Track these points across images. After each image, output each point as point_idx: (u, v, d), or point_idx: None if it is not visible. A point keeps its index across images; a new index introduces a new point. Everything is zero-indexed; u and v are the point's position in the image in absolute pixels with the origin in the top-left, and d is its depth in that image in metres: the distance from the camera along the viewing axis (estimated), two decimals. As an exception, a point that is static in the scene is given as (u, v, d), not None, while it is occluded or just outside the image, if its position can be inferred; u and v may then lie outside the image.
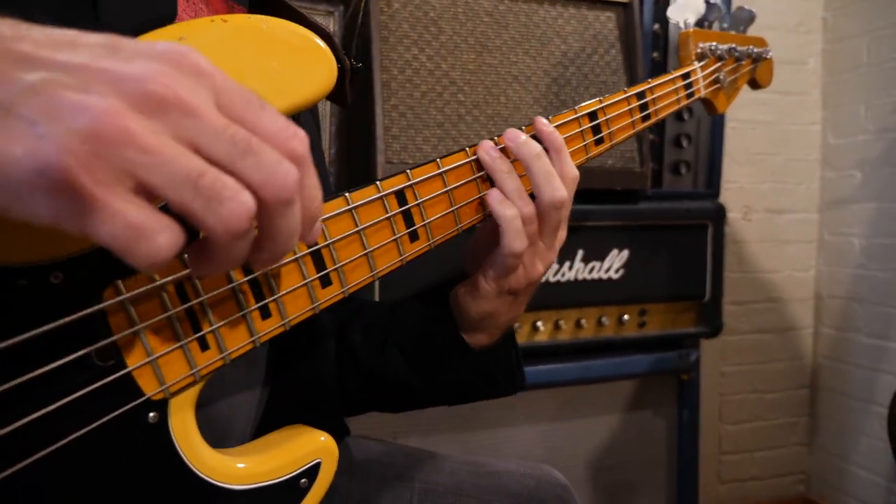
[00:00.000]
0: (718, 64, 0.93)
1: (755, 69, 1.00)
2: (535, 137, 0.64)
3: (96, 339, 0.43)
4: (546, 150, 0.63)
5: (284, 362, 0.68)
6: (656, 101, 0.79)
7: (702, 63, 0.90)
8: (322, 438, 0.54)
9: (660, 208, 1.53)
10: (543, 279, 1.38)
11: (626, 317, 1.51)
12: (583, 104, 0.70)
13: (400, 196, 0.57)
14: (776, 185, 2.18)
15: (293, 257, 0.51)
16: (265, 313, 0.50)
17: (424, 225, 0.59)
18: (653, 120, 0.79)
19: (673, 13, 0.99)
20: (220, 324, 0.48)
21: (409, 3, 1.34)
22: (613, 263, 1.48)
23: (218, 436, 0.54)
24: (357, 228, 0.54)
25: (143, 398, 0.45)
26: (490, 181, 0.62)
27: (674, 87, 0.82)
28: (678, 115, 1.60)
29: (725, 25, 0.99)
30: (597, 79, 1.48)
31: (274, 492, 0.51)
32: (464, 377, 0.69)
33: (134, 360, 0.44)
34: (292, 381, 0.68)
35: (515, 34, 1.42)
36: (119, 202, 0.31)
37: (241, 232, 0.34)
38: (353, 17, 1.26)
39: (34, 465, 0.41)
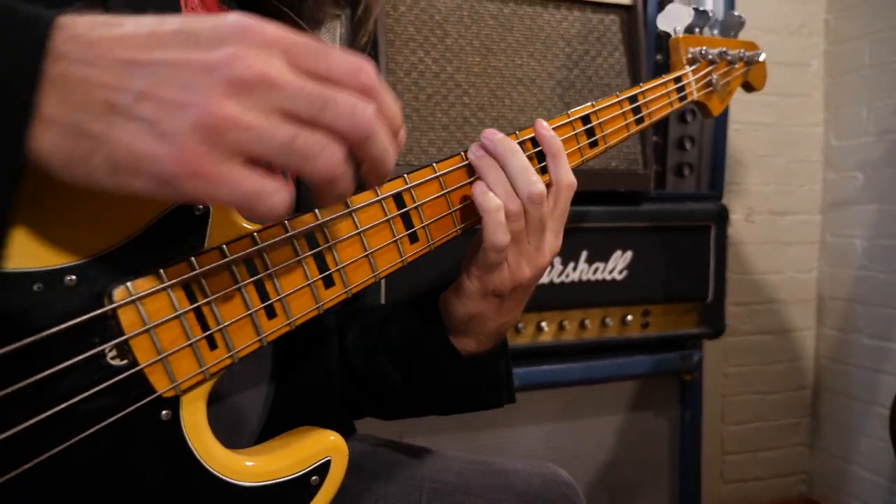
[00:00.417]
0: (710, 67, 0.94)
1: (748, 72, 1.02)
2: (533, 141, 0.66)
3: (109, 338, 0.44)
4: (544, 153, 0.65)
5: (290, 361, 0.69)
6: (649, 105, 0.80)
7: (693, 67, 0.92)
8: (332, 438, 0.55)
9: (663, 210, 1.52)
10: (548, 279, 1.39)
11: (629, 317, 1.51)
12: (575, 109, 0.71)
13: (398, 199, 0.58)
14: (778, 187, 2.18)
15: (296, 258, 0.52)
16: (271, 313, 0.51)
17: (424, 227, 0.60)
18: (646, 123, 0.80)
19: (661, 23, 0.99)
20: (227, 323, 0.49)
21: (415, 7, 1.34)
22: (617, 264, 1.48)
23: (228, 432, 0.54)
24: (357, 230, 0.56)
25: (155, 395, 0.46)
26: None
27: (666, 91, 0.84)
28: (681, 117, 1.60)
29: (716, 32, 1.00)
30: (601, 81, 1.48)
31: (285, 489, 0.52)
32: (450, 383, 0.69)
33: (145, 358, 0.46)
34: (298, 379, 0.69)
35: (520, 37, 1.42)
36: (236, 175, 0.38)
37: (337, 176, 0.41)
38: (359, 21, 1.26)
39: (50, 460, 0.42)
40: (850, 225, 2.15)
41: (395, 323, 0.73)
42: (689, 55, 0.93)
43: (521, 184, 0.60)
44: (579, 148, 0.71)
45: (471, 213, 0.63)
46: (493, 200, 0.60)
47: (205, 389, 0.49)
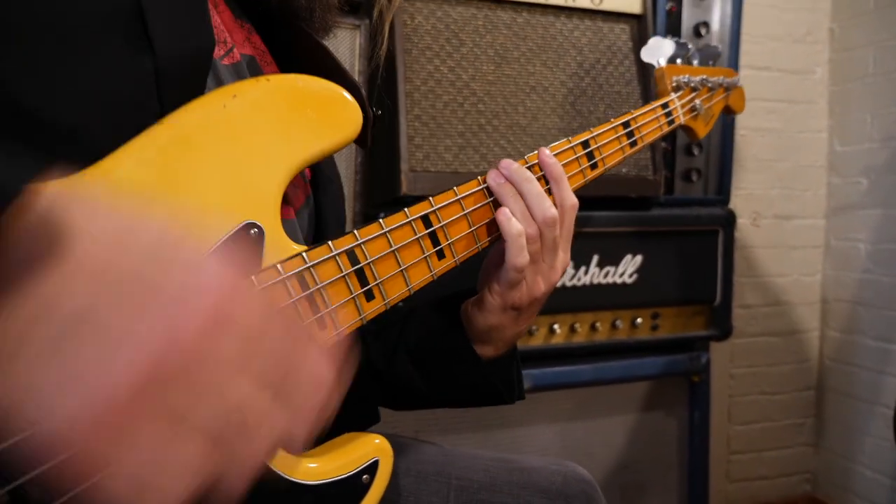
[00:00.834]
0: (693, 94, 1.00)
1: (728, 97, 1.07)
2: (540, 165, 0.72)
3: None
4: (546, 178, 0.69)
5: None
6: (641, 129, 0.86)
7: (678, 94, 0.98)
8: (377, 441, 0.59)
9: (672, 215, 1.53)
10: (560, 283, 1.39)
11: (639, 320, 1.51)
12: (576, 136, 0.77)
13: (425, 220, 0.63)
14: (784, 192, 2.18)
15: (340, 274, 0.56)
16: (321, 324, 0.55)
17: (449, 244, 0.65)
18: (640, 145, 0.85)
19: (645, 55, 1.03)
20: None
21: (431, 16, 1.34)
22: (627, 268, 1.48)
23: None
24: (392, 248, 0.59)
25: None
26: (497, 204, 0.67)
27: (655, 116, 0.90)
28: (690, 124, 1.60)
29: (696, 62, 1.05)
30: (611, 89, 1.48)
31: (341, 486, 0.56)
32: (467, 384, 0.74)
33: None
34: None
35: (533, 46, 1.42)
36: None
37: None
38: (374, 28, 1.26)
39: None
40: (854, 229, 2.15)
41: (417, 327, 0.75)
42: (674, 83, 0.98)
43: (536, 209, 0.65)
44: (581, 170, 0.76)
45: (489, 232, 0.67)
46: (515, 226, 0.64)
47: None
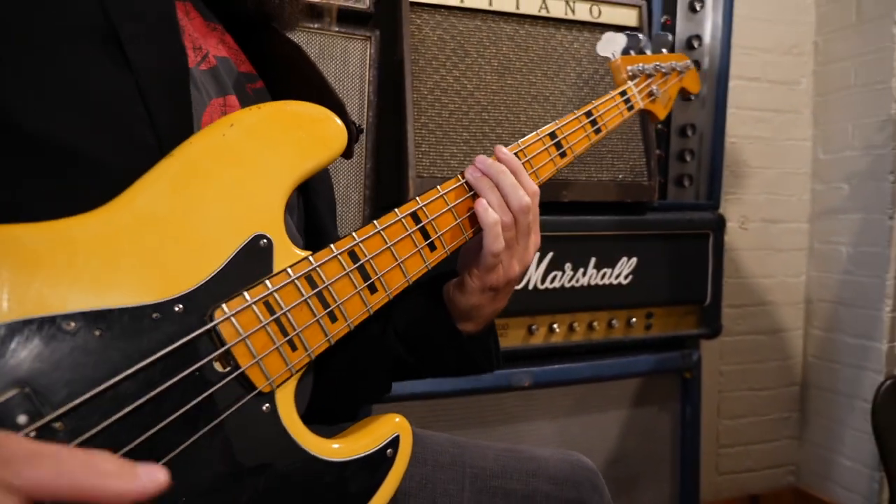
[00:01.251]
0: (649, 80, 1.03)
1: (682, 79, 1.11)
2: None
3: (213, 350, 0.51)
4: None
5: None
6: (603, 117, 0.89)
7: (634, 81, 1.01)
8: (396, 419, 0.64)
9: (665, 219, 1.54)
10: (559, 284, 1.41)
11: (633, 319, 1.53)
12: (543, 128, 0.80)
13: (414, 216, 0.67)
14: (770, 197, 2.20)
15: (344, 271, 0.60)
16: (333, 318, 0.59)
17: (438, 237, 0.68)
18: (604, 132, 0.89)
19: (601, 49, 1.06)
20: (301, 328, 0.56)
21: (438, 27, 1.36)
22: (623, 270, 1.50)
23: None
24: (387, 245, 0.63)
25: (256, 390, 0.53)
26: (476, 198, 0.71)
27: (615, 104, 0.92)
28: (682, 132, 1.62)
29: (648, 52, 1.09)
30: (609, 98, 1.50)
31: (370, 460, 0.60)
32: (452, 358, 0.78)
33: (245, 362, 0.53)
34: (336, 361, 0.74)
35: (535, 57, 1.44)
36: None
37: None
38: (387, 43, 1.28)
39: (181, 453, 0.48)
40: (835, 233, 2.17)
41: (404, 310, 0.78)
42: (629, 72, 1.01)
43: (512, 198, 0.69)
44: (552, 159, 0.79)
45: (472, 223, 0.71)
46: (492, 215, 0.68)
47: (292, 384, 0.56)
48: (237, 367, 0.52)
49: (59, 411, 0.42)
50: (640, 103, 0.99)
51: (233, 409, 0.51)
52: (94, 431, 0.44)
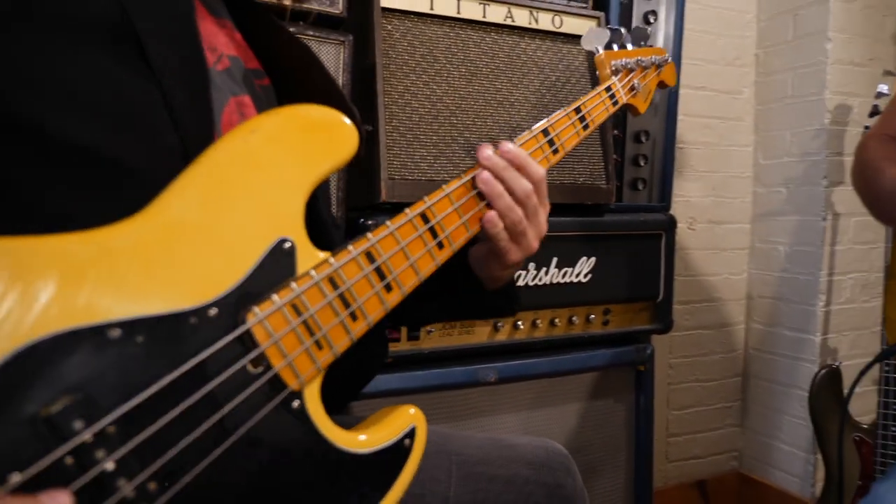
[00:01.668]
0: (631, 75, 1.05)
1: (660, 73, 1.13)
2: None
3: (247, 351, 0.52)
4: (514, 165, 0.75)
5: None
6: (591, 113, 0.91)
7: (618, 77, 1.02)
8: (412, 411, 0.66)
9: (622, 220, 1.58)
10: (523, 283, 1.44)
11: (592, 316, 1.56)
12: (536, 125, 0.82)
13: (423, 216, 0.68)
14: (716, 199, 2.25)
15: (363, 272, 0.61)
16: (353, 317, 0.60)
17: (446, 236, 0.70)
18: (592, 127, 0.91)
19: (585, 43, 1.08)
20: (326, 328, 0.58)
21: (408, 33, 1.36)
22: (583, 269, 1.54)
23: None
24: (400, 245, 0.65)
25: (289, 389, 0.55)
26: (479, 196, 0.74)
27: (601, 100, 0.95)
28: (636, 138, 1.67)
29: (629, 45, 1.11)
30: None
31: (390, 452, 0.62)
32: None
33: (278, 362, 0.54)
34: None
35: (500, 63, 1.46)
36: None
37: None
38: (359, 48, 1.28)
39: (224, 452, 0.49)
40: (774, 233, 2.24)
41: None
42: (613, 67, 1.03)
43: (516, 186, 0.72)
44: (545, 156, 0.81)
45: (475, 221, 0.73)
46: (497, 226, 0.72)
47: (318, 381, 0.58)
48: (270, 367, 0.53)
49: (113, 416, 0.43)
50: (623, 98, 1.00)
51: (269, 407, 0.53)
52: (145, 436, 0.45)
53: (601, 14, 1.57)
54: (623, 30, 1.09)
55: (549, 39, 1.53)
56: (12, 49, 0.47)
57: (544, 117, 1.47)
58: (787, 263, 2.19)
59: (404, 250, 0.65)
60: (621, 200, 1.65)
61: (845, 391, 1.83)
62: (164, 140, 0.53)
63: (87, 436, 0.41)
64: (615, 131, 1.62)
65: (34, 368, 0.40)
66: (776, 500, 2.21)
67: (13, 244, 0.42)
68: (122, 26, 0.51)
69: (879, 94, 1.77)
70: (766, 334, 2.27)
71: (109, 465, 0.42)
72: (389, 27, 1.34)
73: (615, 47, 1.06)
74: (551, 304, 1.50)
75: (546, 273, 1.49)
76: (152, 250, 0.48)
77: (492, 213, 0.71)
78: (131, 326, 0.46)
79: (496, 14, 1.45)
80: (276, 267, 0.55)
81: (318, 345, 0.57)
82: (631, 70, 1.04)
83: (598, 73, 1.03)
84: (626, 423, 1.70)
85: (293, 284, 0.55)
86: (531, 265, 1.46)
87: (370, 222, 1.26)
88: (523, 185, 0.72)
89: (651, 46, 1.13)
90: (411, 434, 0.64)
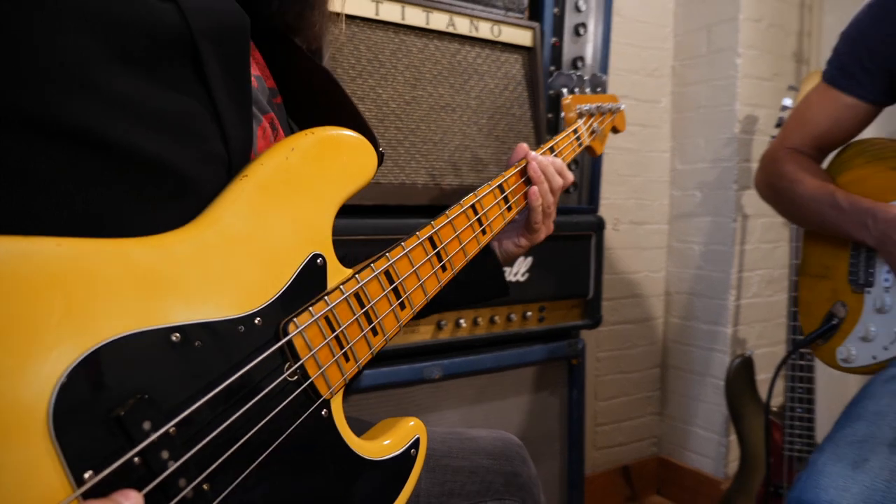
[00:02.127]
0: (592, 119, 1.14)
1: (614, 119, 1.22)
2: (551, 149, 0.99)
3: (286, 360, 0.55)
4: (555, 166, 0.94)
5: None
6: (563, 152, 1.02)
7: (582, 119, 1.11)
8: (411, 423, 0.69)
9: (556, 222, 1.64)
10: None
11: (529, 313, 1.61)
12: (518, 161, 0.94)
13: (431, 241, 0.73)
14: (638, 202, 2.32)
15: (383, 292, 0.65)
16: (374, 332, 0.63)
17: (448, 260, 0.75)
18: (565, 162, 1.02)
19: (555, 85, 1.21)
20: (352, 342, 0.61)
21: (354, 38, 1.37)
22: (521, 269, 1.59)
23: None
24: (413, 268, 0.70)
25: (322, 399, 0.58)
26: (481, 221, 0.82)
27: (569, 141, 1.04)
28: (568, 143, 1.74)
29: (588, 90, 1.22)
30: (508, 111, 1.59)
31: (399, 459, 0.66)
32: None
33: (313, 372, 0.57)
34: None
35: (443, 70, 1.49)
36: None
37: None
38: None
39: (267, 456, 0.51)
40: (689, 233, 2.34)
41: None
42: (577, 111, 1.12)
43: (555, 182, 0.93)
44: (501, 213, 0.88)
45: (475, 245, 0.81)
46: (539, 201, 0.92)
47: (342, 392, 0.60)
48: (306, 376, 0.56)
49: (179, 418, 0.44)
50: (586, 140, 1.10)
51: (304, 415, 0.55)
52: (205, 441, 0.46)
53: (536, 24, 1.63)
54: (586, 76, 1.23)
55: (488, 48, 1.57)
56: (73, 58, 0.45)
57: (483, 122, 1.54)
58: (701, 261, 2.31)
59: (417, 273, 0.70)
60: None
61: (756, 378, 1.98)
62: (214, 152, 0.54)
63: (154, 437, 0.42)
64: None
65: (106, 368, 0.41)
66: (692, 480, 2.33)
67: (81, 248, 0.42)
68: (181, 39, 0.51)
69: (784, 108, 1.93)
70: (682, 327, 2.38)
71: (172, 466, 0.43)
72: (336, 31, 1.34)
73: (576, 91, 1.17)
74: (492, 302, 1.54)
75: (486, 273, 1.52)
76: (209, 259, 0.50)
77: (535, 189, 0.90)
78: (191, 331, 0.47)
79: (439, 22, 1.48)
80: (310, 280, 0.57)
81: (346, 357, 0.60)
82: (591, 114, 1.13)
83: (563, 115, 1.13)
84: (560, 414, 1.76)
85: (326, 298, 0.58)
86: (473, 265, 1.50)
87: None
88: (558, 179, 0.94)
89: (606, 94, 1.24)
90: (416, 444, 0.68)
